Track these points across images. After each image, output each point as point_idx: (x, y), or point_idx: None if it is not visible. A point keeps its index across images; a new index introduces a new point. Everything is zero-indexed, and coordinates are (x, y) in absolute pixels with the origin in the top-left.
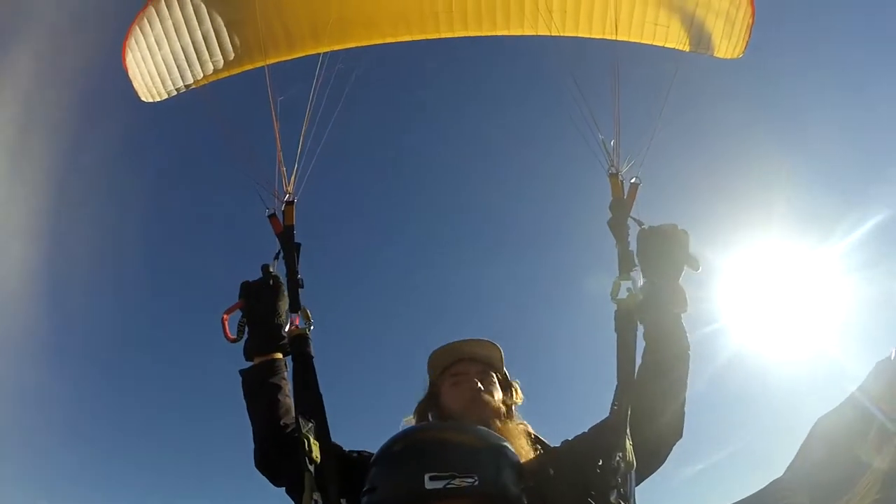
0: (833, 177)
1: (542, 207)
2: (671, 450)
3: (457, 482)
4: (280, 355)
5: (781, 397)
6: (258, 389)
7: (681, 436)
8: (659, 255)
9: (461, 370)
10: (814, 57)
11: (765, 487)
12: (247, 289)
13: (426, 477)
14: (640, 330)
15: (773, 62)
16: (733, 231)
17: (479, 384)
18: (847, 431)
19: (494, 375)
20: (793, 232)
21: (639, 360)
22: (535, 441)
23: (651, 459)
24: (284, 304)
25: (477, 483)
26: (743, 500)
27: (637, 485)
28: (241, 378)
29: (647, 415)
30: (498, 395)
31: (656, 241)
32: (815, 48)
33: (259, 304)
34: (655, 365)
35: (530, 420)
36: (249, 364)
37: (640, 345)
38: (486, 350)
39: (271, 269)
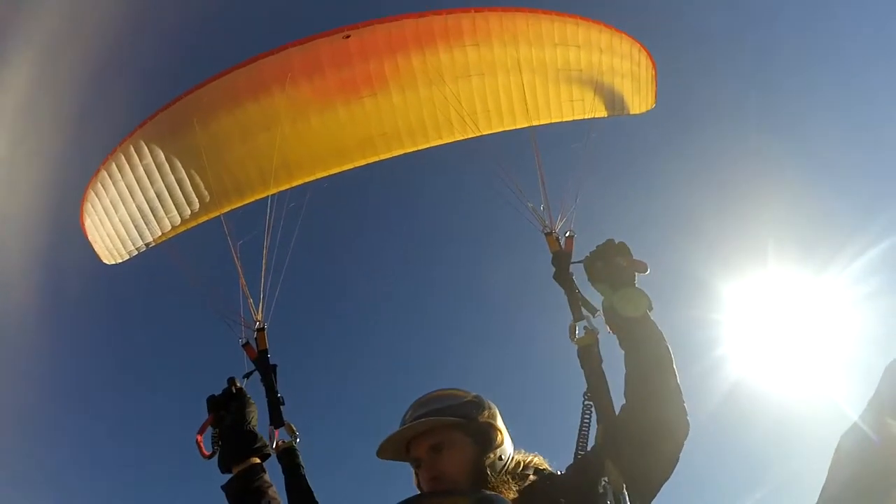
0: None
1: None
2: (683, 445)
3: None
4: (258, 460)
5: (801, 424)
6: (243, 497)
7: (689, 427)
8: (605, 270)
9: (414, 455)
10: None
11: None
12: (214, 402)
13: None
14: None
15: (774, 64)
16: (742, 259)
17: (433, 468)
18: (870, 444)
19: (452, 437)
20: (796, 258)
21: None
22: (536, 474)
23: (667, 465)
24: (253, 412)
25: None
26: None
27: (656, 493)
28: (224, 493)
29: (653, 424)
30: (459, 464)
31: (598, 260)
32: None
33: (228, 414)
34: (639, 367)
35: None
36: (229, 476)
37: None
38: (427, 425)
39: (236, 381)
